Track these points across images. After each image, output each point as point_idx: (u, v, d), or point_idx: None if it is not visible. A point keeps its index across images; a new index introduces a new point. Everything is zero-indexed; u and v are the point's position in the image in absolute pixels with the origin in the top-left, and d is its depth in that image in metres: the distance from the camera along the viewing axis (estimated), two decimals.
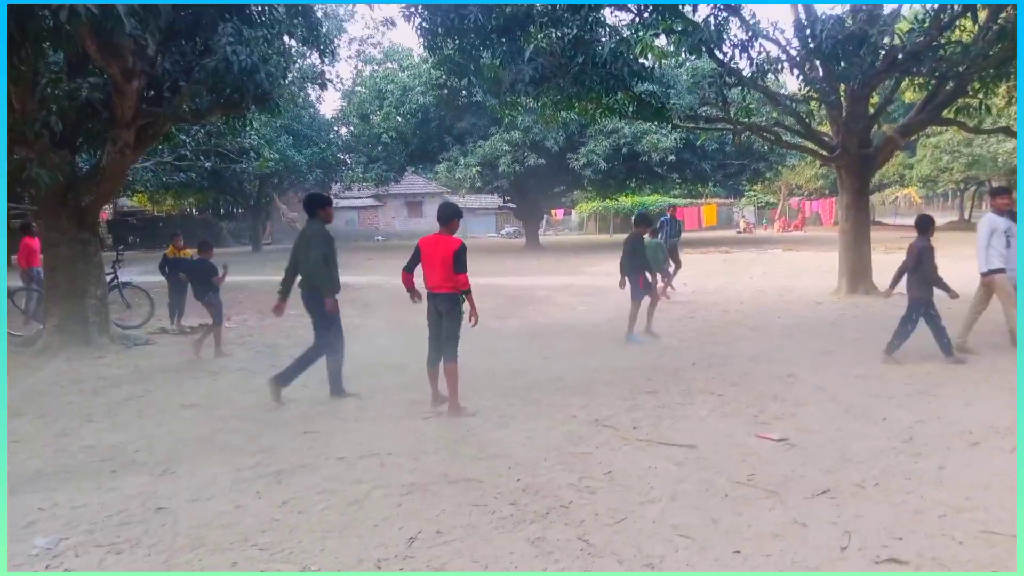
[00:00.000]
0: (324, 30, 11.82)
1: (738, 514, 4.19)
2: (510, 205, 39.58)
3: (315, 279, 6.85)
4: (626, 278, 9.96)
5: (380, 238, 49.98)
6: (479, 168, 31.19)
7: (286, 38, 11.12)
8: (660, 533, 3.98)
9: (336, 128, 38.86)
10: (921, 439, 5.42)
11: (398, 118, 33.54)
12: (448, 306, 6.41)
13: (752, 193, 53.65)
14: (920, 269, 8.09)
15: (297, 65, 21.81)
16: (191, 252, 12.34)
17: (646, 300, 9.98)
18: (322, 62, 15.27)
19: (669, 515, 4.21)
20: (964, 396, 6.57)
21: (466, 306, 6.48)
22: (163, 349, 10.23)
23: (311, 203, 7.07)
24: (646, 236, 10.71)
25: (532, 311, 13.16)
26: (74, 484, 4.98)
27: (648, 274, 10.05)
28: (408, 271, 6.65)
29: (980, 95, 13.34)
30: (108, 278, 11.87)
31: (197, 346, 9.55)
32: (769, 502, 4.35)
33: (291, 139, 32.67)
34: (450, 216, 6.50)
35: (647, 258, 10.16)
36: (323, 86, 22.22)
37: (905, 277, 8.30)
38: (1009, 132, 15.45)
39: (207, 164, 22.99)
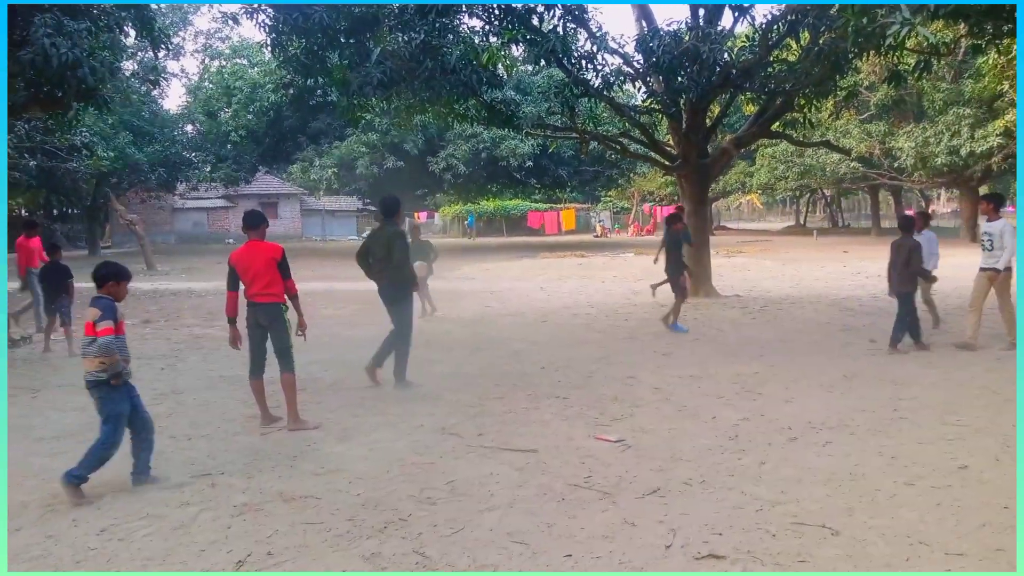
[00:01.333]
0: (160, 24, 11.20)
1: (572, 517, 4.29)
2: (371, 207, 39.05)
3: (403, 274, 7.59)
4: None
5: (231, 241, 47.93)
6: (336, 169, 30.65)
7: (117, 31, 10.46)
8: (496, 541, 4.01)
9: (181, 125, 36.99)
10: (745, 436, 5.76)
11: (248, 116, 32.41)
12: (270, 317, 6.19)
13: (608, 199, 55.63)
14: (909, 264, 8.79)
15: (135, 57, 20.59)
16: None
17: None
18: (156, 57, 14.45)
19: (506, 522, 4.25)
20: (785, 394, 7.05)
21: (291, 315, 6.28)
22: None
23: (391, 207, 7.72)
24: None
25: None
26: None
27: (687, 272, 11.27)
28: (233, 290, 6.31)
29: (805, 110, 14.39)
30: None
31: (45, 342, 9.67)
32: (603, 503, 4.49)
33: (131, 136, 30.78)
34: (259, 222, 6.34)
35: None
36: (155, 83, 21.02)
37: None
38: (829, 146, 16.83)
39: (32, 163, 21.24)
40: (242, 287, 6.27)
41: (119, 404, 4.87)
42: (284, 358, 6.25)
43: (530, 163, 31.16)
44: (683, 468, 5.07)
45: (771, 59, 13.73)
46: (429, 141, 30.93)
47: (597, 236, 49.14)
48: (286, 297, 6.28)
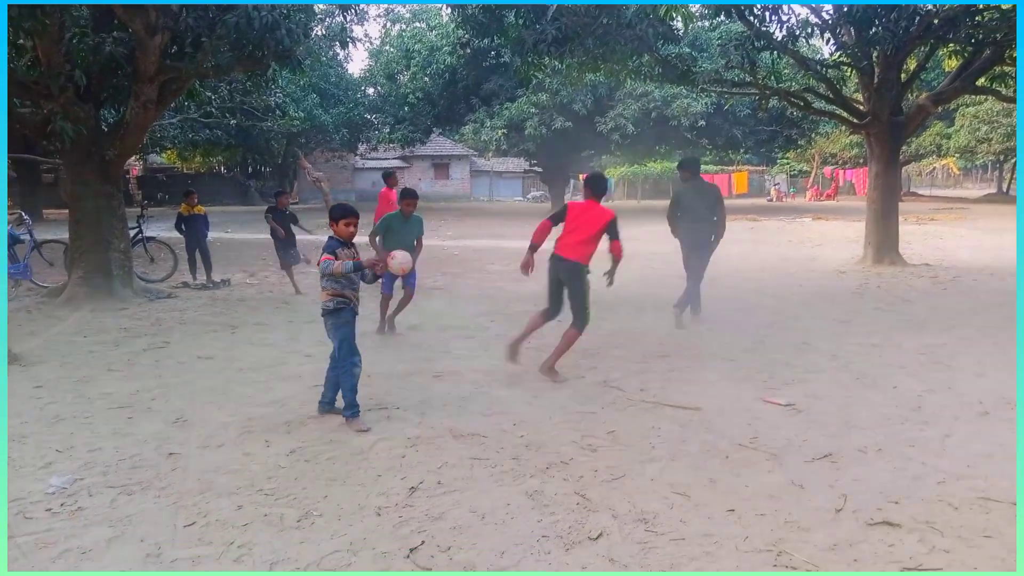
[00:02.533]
0: None
1: (736, 475, 4.22)
2: (536, 169, 39.41)
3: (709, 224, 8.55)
4: None
5: None
6: (505, 130, 31.05)
7: None
8: (657, 491, 4.02)
9: (363, 88, 38.79)
10: (929, 408, 5.39)
11: (425, 79, 33.41)
12: (570, 275, 6.36)
13: (785, 161, 52.90)
14: None
15: (324, 22, 21.76)
16: (203, 209, 12.50)
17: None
18: (345, 20, 15.18)
19: (668, 474, 4.25)
20: (978, 368, 6.51)
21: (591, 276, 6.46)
22: (184, 303, 10.40)
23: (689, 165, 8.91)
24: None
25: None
26: (91, 429, 5.13)
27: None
28: (550, 220, 6.48)
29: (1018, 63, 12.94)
30: (132, 232, 12.07)
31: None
32: (769, 464, 4.37)
33: (318, 98, 32.68)
34: (603, 189, 6.72)
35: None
36: (344, 44, 22.11)
37: None
38: None
39: (233, 121, 23.09)
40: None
41: (341, 329, 5.20)
42: (577, 315, 6.39)
43: (702, 123, 30.09)
44: (858, 435, 4.83)
45: (980, 6, 12.43)
46: (598, 101, 30.60)
47: (771, 200, 47.01)
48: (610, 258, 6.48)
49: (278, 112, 24.94)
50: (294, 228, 11.44)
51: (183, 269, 12.47)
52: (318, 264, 5.13)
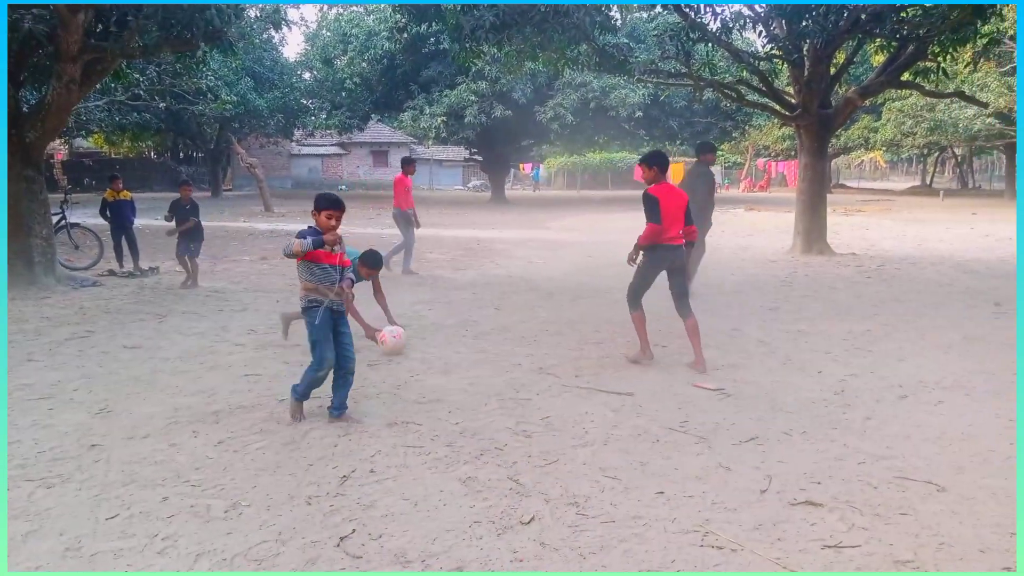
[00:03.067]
0: None
1: (667, 458, 4.30)
2: (476, 157, 39.28)
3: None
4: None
5: (344, 187, 49.38)
6: (445, 118, 30.86)
7: None
8: (588, 474, 4.06)
9: (299, 72, 38.05)
10: (852, 392, 5.58)
11: (363, 64, 32.95)
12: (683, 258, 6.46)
13: (720, 152, 53.87)
14: None
15: (257, 3, 21.20)
16: (129, 195, 12.12)
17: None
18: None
19: (600, 458, 4.30)
20: (898, 353, 6.75)
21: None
22: (110, 291, 10.08)
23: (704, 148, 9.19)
24: None
25: (489, 264, 13.18)
26: (9, 421, 4.93)
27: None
28: (658, 220, 6.23)
29: (940, 59, 13.44)
30: (56, 218, 11.63)
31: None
32: (698, 447, 4.46)
33: (252, 82, 31.93)
34: (666, 164, 6.47)
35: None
36: (278, 26, 21.61)
37: None
38: (964, 97, 15.64)
39: (162, 105, 22.40)
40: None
41: (310, 329, 4.85)
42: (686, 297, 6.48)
43: (640, 113, 30.43)
44: (783, 419, 4.97)
45: (905, 2, 12.85)
46: (538, 90, 30.65)
47: None
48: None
49: (210, 96, 24.29)
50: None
51: (109, 256, 12.07)
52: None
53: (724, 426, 4.83)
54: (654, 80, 16.05)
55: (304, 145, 48.86)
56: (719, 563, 3.16)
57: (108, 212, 11.73)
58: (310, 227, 4.84)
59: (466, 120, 30.46)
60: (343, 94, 34.41)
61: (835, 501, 3.72)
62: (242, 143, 36.87)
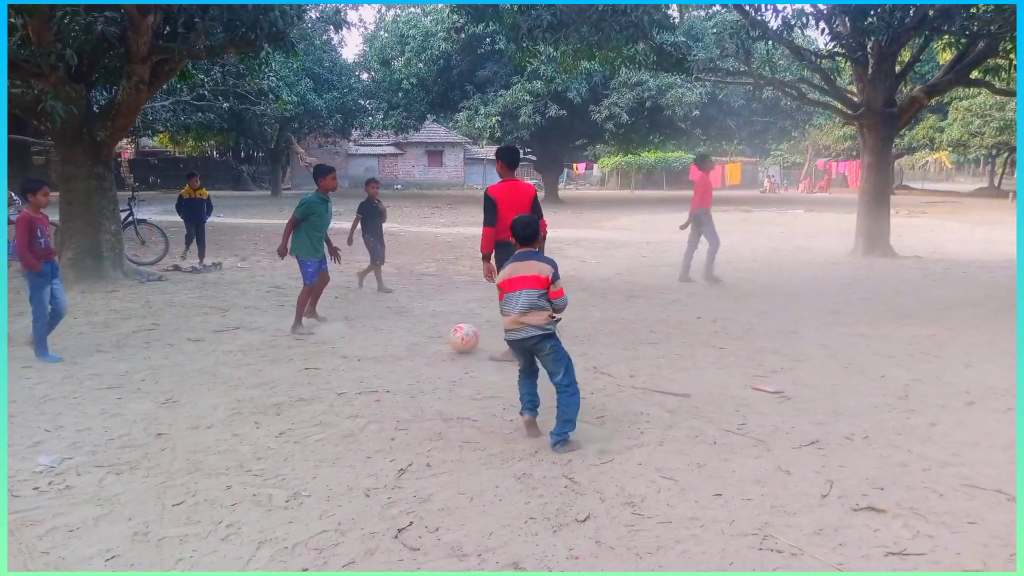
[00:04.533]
0: None
1: (724, 460, 4.24)
2: (530, 157, 39.27)
3: None
4: None
5: (399, 187, 49.94)
6: (499, 118, 30.91)
7: None
8: (644, 475, 4.04)
9: (357, 73, 38.55)
10: (916, 397, 5.43)
11: (419, 64, 33.22)
12: None
13: (778, 152, 52.92)
14: None
15: (318, 5, 21.59)
16: (206, 193, 12.47)
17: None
18: (339, 2, 15.05)
19: (655, 459, 4.27)
20: (965, 358, 6.54)
21: None
22: (174, 286, 10.37)
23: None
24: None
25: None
26: (80, 409, 5.12)
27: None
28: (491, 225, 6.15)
29: (1011, 56, 12.97)
30: (123, 215, 12.01)
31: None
32: (756, 450, 4.40)
33: (311, 83, 32.48)
34: (517, 160, 6.48)
35: None
36: (338, 27, 21.93)
37: None
38: None
39: (225, 105, 22.95)
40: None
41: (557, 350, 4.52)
42: None
43: (696, 112, 30.04)
44: (845, 423, 4.86)
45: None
46: (593, 89, 30.51)
47: (764, 191, 47.08)
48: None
49: (271, 96, 24.80)
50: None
51: (174, 252, 12.44)
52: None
53: (783, 429, 4.74)
54: (712, 79, 15.88)
55: (361, 145, 49.49)
56: (779, 566, 3.11)
57: (183, 208, 12.09)
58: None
59: (520, 120, 30.47)
60: (400, 94, 34.75)
61: (899, 507, 3.63)
62: (301, 143, 37.60)
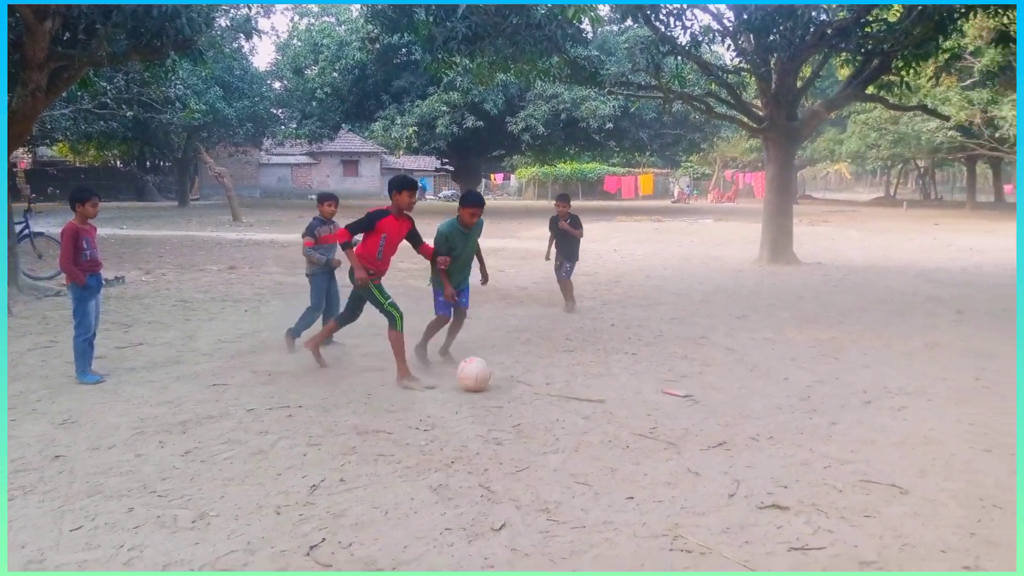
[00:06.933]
0: None
1: (636, 464, 4.33)
2: (448, 168, 39.29)
3: None
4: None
5: (313, 196, 49.05)
6: (416, 128, 30.83)
7: None
8: (559, 481, 4.08)
9: (269, 82, 37.77)
10: (818, 398, 5.66)
11: (334, 74, 32.87)
12: None
13: (688, 164, 54.49)
14: None
15: (228, 13, 21.07)
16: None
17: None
18: (250, 11, 14.76)
19: (570, 464, 4.32)
20: (863, 360, 6.87)
21: None
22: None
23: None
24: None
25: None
26: None
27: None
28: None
29: (903, 73, 13.73)
30: (19, 227, 11.43)
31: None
32: (667, 453, 4.51)
33: (221, 91, 31.61)
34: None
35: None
36: (249, 35, 21.47)
37: None
38: (926, 110, 16.00)
39: (129, 113, 22.11)
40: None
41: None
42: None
43: (610, 125, 30.63)
44: (751, 424, 5.03)
45: (870, 17, 13.13)
46: (509, 101, 30.80)
47: (675, 201, 48.33)
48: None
49: (178, 104, 24.01)
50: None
51: None
52: None
53: (693, 432, 4.88)
54: (624, 92, 16.23)
55: (273, 154, 48.56)
56: (688, 566, 3.19)
57: None
58: None
59: (437, 130, 30.47)
60: (313, 104, 34.25)
61: (801, 504, 3.78)
62: (210, 152, 36.51)
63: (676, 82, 15.02)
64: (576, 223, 9.41)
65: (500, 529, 3.52)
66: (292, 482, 4.07)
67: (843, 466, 4.29)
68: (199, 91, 28.63)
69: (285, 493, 3.93)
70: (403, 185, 6.05)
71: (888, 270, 13.79)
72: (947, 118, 26.10)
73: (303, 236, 7.35)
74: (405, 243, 6.25)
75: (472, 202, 6.46)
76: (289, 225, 24.27)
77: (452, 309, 6.68)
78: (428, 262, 6.58)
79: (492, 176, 55.14)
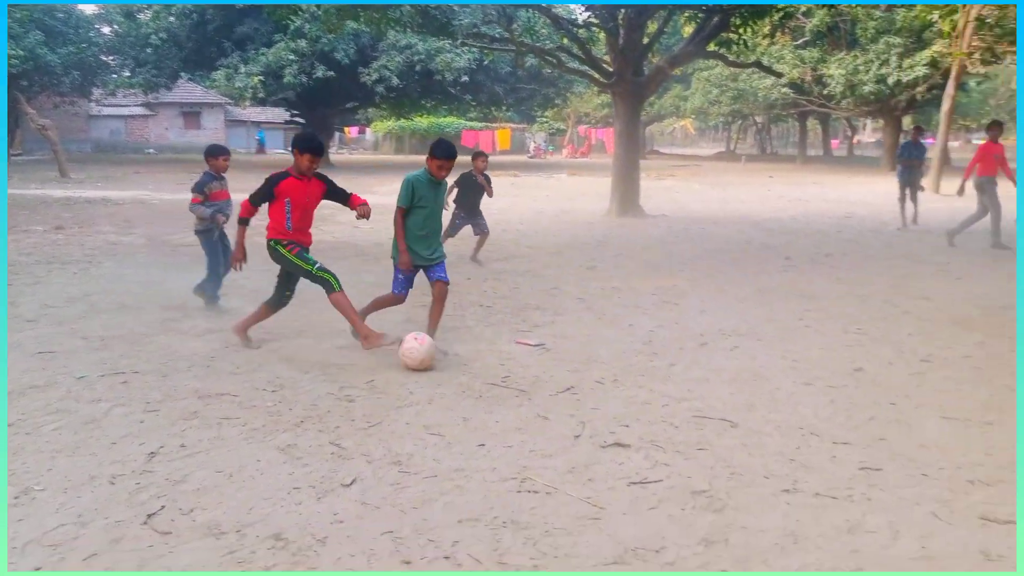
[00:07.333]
0: None
1: (488, 412, 4.42)
2: (298, 120, 37.85)
3: None
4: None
5: (152, 151, 46.10)
6: (262, 78, 29.39)
7: None
8: (412, 433, 4.10)
9: (97, 26, 34.81)
10: (659, 342, 5.97)
11: (170, 18, 30.76)
12: None
13: (544, 119, 55.18)
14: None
15: None
16: None
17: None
18: None
19: (423, 417, 4.35)
20: (701, 305, 7.29)
21: None
22: None
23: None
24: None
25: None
26: None
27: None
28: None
29: (741, 31, 14.38)
30: None
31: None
32: (518, 400, 4.62)
33: (42, 35, 28.89)
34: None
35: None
36: None
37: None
38: (762, 67, 16.89)
39: None
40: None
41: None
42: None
43: (465, 78, 30.41)
44: (597, 369, 5.24)
45: None
46: (361, 51, 29.89)
47: (531, 157, 48.91)
48: None
49: None
50: None
51: None
52: None
53: (543, 379, 5.02)
54: (478, 44, 16.13)
55: (105, 106, 44.91)
56: (535, 506, 3.30)
57: None
58: None
59: (285, 80, 29.18)
60: (148, 50, 31.88)
61: (641, 441, 3.99)
62: (32, 103, 33.35)
63: (528, 35, 15.09)
64: (488, 180, 9.43)
65: (351, 484, 3.50)
66: (128, 450, 3.87)
67: (680, 404, 4.56)
68: (16, 35, 26.01)
69: (120, 462, 3.73)
70: (306, 147, 5.46)
71: (726, 221, 14.62)
72: (781, 75, 27.76)
73: (192, 191, 6.95)
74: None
75: (443, 154, 5.54)
76: (124, 181, 22.72)
77: (408, 289, 5.94)
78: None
79: (346, 129, 53.73)
